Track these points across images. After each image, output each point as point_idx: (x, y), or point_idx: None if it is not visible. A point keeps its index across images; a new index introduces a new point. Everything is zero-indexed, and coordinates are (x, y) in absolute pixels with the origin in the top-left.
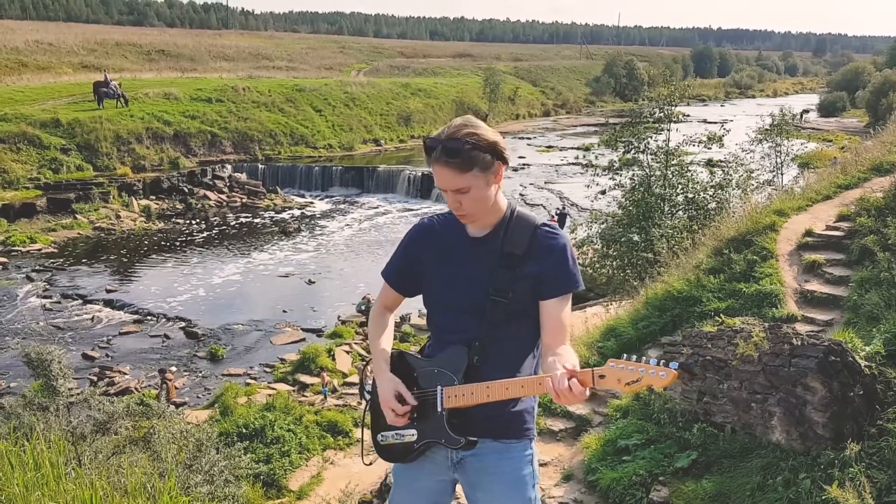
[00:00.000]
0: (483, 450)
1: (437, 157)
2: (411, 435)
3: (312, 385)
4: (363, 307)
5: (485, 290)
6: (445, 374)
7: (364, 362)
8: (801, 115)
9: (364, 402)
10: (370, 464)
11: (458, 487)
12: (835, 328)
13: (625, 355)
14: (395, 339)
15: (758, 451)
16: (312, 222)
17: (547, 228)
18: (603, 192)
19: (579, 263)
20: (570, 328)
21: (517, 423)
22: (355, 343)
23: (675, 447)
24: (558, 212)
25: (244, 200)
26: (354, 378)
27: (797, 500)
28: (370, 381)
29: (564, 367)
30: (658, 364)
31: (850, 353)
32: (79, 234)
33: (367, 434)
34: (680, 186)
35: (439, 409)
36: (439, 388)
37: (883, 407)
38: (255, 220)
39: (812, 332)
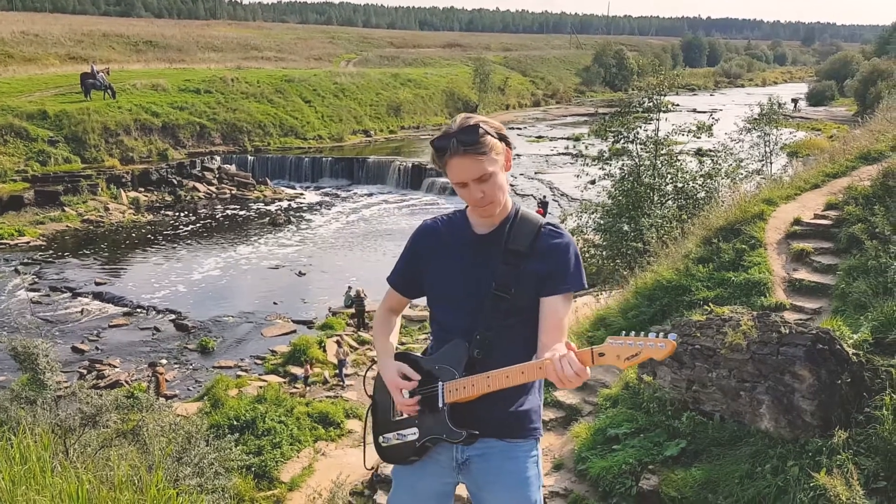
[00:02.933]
0: (489, 450)
1: (454, 151)
2: (412, 434)
3: (307, 377)
4: (350, 301)
5: (487, 284)
6: (446, 369)
7: (339, 346)
8: (796, 105)
9: (342, 385)
10: (372, 468)
11: (460, 489)
12: (823, 316)
13: (623, 332)
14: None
15: (746, 439)
16: (302, 214)
17: (551, 227)
18: (592, 182)
19: None
20: (567, 328)
21: (523, 422)
22: (346, 335)
23: (664, 436)
24: (540, 200)
25: (234, 192)
26: (345, 370)
27: (785, 487)
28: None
29: (569, 346)
30: (657, 336)
31: (837, 342)
32: (67, 226)
33: (364, 437)
34: (669, 176)
35: (440, 405)
36: (440, 383)
37: (870, 394)
38: (245, 212)
39: (800, 320)
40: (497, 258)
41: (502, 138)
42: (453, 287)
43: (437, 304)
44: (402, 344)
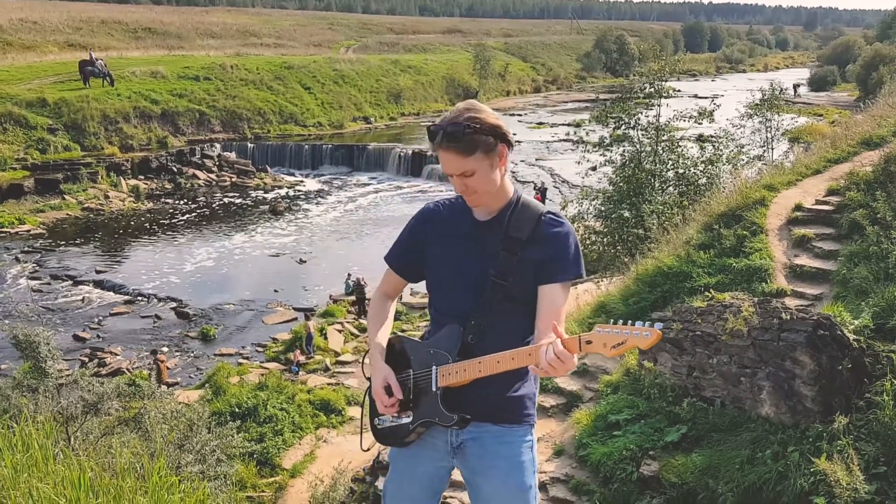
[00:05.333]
0: (483, 434)
1: (440, 143)
2: (407, 416)
3: (305, 364)
4: (350, 289)
5: (486, 271)
6: (440, 354)
7: (307, 320)
8: (796, 90)
9: (310, 357)
10: (368, 449)
11: (455, 474)
12: (824, 302)
13: (611, 320)
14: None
15: (747, 424)
16: (302, 201)
17: (552, 216)
18: (593, 169)
19: None
20: (564, 316)
21: (518, 407)
22: (347, 322)
23: (665, 422)
24: (539, 187)
25: (234, 180)
26: (347, 357)
27: (786, 472)
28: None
29: (553, 333)
30: (643, 325)
31: (838, 327)
32: (67, 214)
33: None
34: (670, 162)
35: (434, 389)
36: (434, 367)
37: (871, 380)
38: (245, 200)
39: (801, 306)
40: (496, 245)
41: (497, 135)
42: (452, 272)
43: (436, 288)
44: (403, 331)
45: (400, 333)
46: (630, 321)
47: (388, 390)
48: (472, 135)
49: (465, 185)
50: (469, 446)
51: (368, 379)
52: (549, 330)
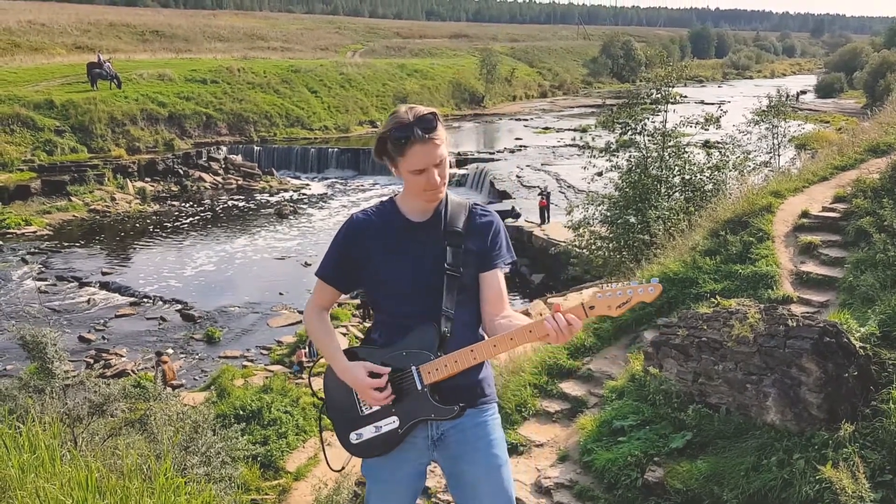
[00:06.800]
0: (462, 420)
1: (417, 138)
2: (391, 423)
3: (308, 366)
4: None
5: (439, 267)
6: (418, 353)
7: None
8: (797, 96)
9: (312, 361)
10: (342, 468)
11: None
12: (830, 309)
13: (604, 285)
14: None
15: (752, 431)
16: (308, 205)
17: (480, 208)
18: (599, 174)
19: (576, 246)
20: (507, 296)
21: (485, 388)
22: (352, 325)
23: (670, 428)
24: (543, 192)
25: (239, 182)
26: None
27: (791, 480)
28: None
29: (555, 306)
30: (641, 283)
31: (844, 335)
32: (74, 216)
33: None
34: (677, 168)
35: (420, 388)
36: (413, 367)
37: (877, 388)
38: (251, 203)
39: (807, 313)
40: (441, 240)
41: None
42: (406, 275)
43: (389, 294)
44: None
45: (351, 346)
46: (626, 282)
47: (375, 375)
48: (439, 123)
49: (440, 176)
50: (450, 435)
51: (321, 399)
52: (500, 311)
